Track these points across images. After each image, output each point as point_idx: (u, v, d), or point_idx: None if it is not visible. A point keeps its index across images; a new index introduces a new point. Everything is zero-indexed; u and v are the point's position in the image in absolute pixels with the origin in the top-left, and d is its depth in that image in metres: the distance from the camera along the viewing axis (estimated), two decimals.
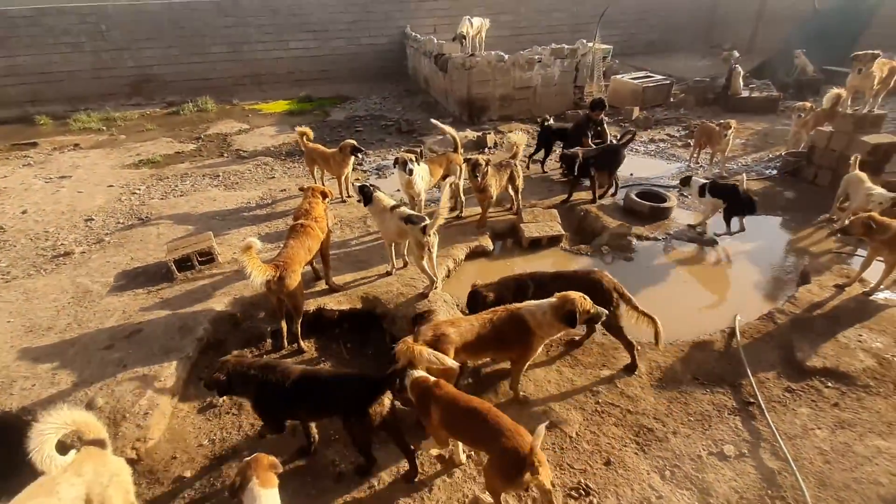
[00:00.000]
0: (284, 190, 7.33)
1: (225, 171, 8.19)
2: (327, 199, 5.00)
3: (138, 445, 3.36)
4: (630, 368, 3.81)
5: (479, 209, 6.04)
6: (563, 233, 5.81)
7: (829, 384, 3.62)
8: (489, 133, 9.24)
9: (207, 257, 5.27)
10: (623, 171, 6.97)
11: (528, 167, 7.84)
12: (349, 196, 6.92)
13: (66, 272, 5.35)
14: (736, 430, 3.30)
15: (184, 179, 7.91)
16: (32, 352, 4.14)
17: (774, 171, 7.59)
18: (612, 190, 6.82)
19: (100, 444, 2.65)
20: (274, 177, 7.96)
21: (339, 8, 14.74)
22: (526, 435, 2.48)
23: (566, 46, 10.60)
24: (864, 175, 5.49)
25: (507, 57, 10.24)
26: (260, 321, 4.52)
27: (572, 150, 6.55)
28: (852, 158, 5.77)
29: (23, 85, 12.82)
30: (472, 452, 3.15)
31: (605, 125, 7.48)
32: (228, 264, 5.31)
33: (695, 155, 8.05)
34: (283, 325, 4.31)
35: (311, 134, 7.02)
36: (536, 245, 5.67)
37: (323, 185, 6.58)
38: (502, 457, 2.46)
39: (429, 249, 4.44)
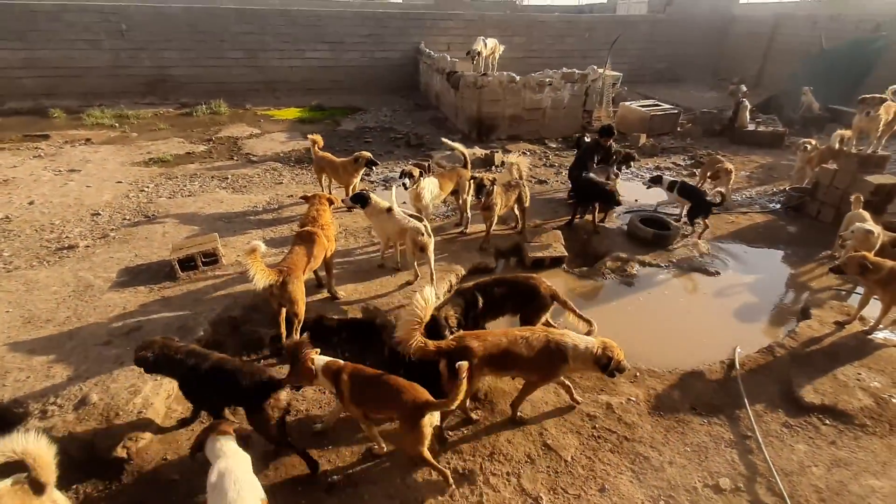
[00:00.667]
0: (292, 196, 7.38)
1: (234, 174, 8.26)
2: (332, 206, 5.05)
3: (129, 444, 3.32)
4: None
5: (483, 226, 6.07)
6: (566, 254, 5.83)
7: (827, 422, 3.61)
8: (497, 152, 9.33)
9: (211, 258, 5.28)
10: (628, 197, 7.03)
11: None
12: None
13: (68, 265, 5.36)
14: (732, 463, 3.28)
15: (193, 180, 7.98)
16: (29, 343, 4.13)
17: (778, 205, 7.65)
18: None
19: (38, 486, 2.30)
20: (282, 182, 8.03)
21: (356, 21, 15.03)
22: (420, 388, 2.95)
23: (577, 71, 10.78)
24: (866, 214, 5.54)
25: (518, 78, 10.41)
26: (259, 325, 4.52)
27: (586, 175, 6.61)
28: (853, 197, 5.83)
29: (40, 78, 13.00)
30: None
31: (612, 151, 7.55)
32: (232, 266, 5.32)
33: (700, 185, 8.10)
34: (283, 330, 4.30)
35: (321, 142, 7.10)
36: (539, 265, 5.69)
37: (330, 193, 6.63)
38: (406, 408, 2.87)
39: (424, 248, 4.73)
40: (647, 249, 6.08)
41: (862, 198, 5.84)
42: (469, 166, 6.56)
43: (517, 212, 6.18)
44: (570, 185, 7.11)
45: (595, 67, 11.10)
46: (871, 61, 12.75)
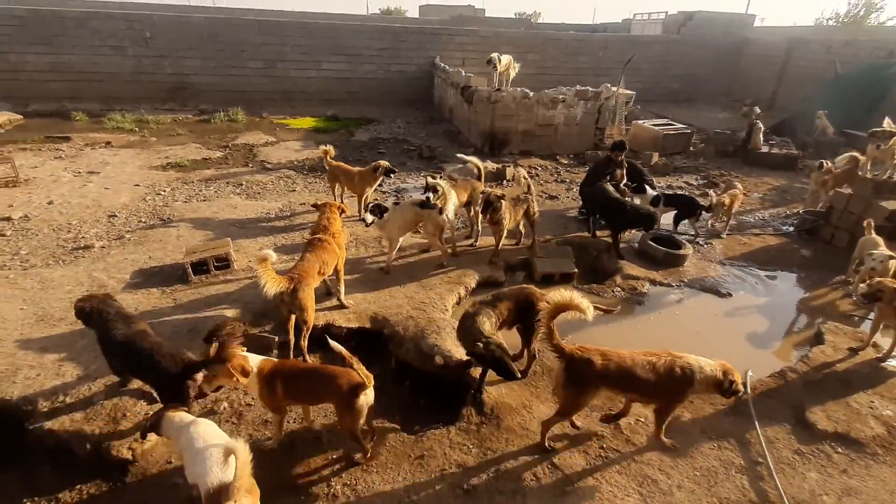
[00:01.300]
0: (304, 203, 7.46)
1: (248, 181, 8.38)
2: (343, 215, 5.09)
3: (135, 446, 3.34)
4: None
5: (492, 239, 6.09)
6: (576, 270, 5.81)
7: (840, 449, 3.53)
8: (509, 166, 9.38)
9: (223, 263, 5.34)
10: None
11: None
12: None
13: (83, 265, 5.44)
14: (742, 490, 3.20)
15: (208, 185, 8.10)
16: (41, 341, 4.19)
17: (791, 228, 7.58)
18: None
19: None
20: (295, 190, 8.12)
21: (374, 35, 15.31)
22: (352, 372, 3.07)
23: (590, 89, 10.85)
24: (879, 239, 5.48)
25: (532, 94, 10.50)
26: (268, 331, 4.53)
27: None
28: (865, 223, 5.79)
29: (64, 82, 13.36)
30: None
31: (624, 167, 7.55)
32: (243, 272, 5.37)
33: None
34: (291, 337, 4.31)
35: (333, 152, 7.17)
36: (548, 280, 5.67)
37: (342, 202, 6.69)
38: (343, 392, 3.00)
39: (444, 228, 5.40)
40: (659, 268, 6.04)
41: (873, 223, 5.79)
42: (483, 179, 6.61)
43: (522, 226, 6.19)
44: (581, 201, 7.12)
45: (608, 85, 11.17)
46: (886, 87, 12.71)
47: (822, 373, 4.24)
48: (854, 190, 7.02)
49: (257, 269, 3.68)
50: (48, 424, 3.36)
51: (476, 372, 4.04)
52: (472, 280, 5.51)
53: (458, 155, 7.03)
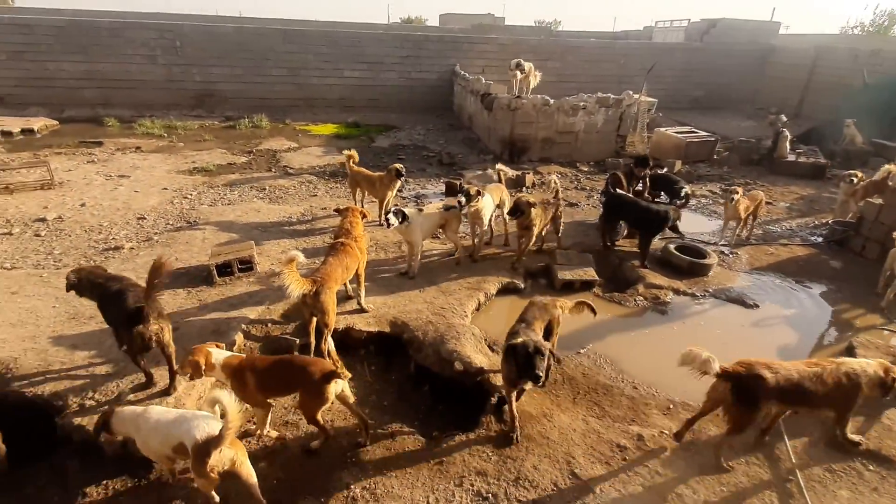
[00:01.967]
0: (325, 208, 7.56)
1: (271, 186, 8.54)
2: (365, 220, 5.15)
3: None
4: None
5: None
6: (597, 278, 5.74)
7: (871, 467, 3.41)
8: (528, 173, 9.36)
9: (247, 265, 5.44)
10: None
11: None
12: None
13: (113, 265, 5.59)
14: None
15: (232, 189, 8.28)
16: (72, 339, 4.31)
17: (820, 239, 7.37)
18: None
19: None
20: (316, 195, 8.24)
21: (395, 43, 15.51)
22: (324, 361, 3.25)
23: (612, 96, 10.78)
24: None
25: (552, 101, 10.48)
26: (289, 334, 4.59)
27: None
28: (895, 234, 5.60)
29: (98, 88, 13.85)
30: None
31: (647, 180, 7.47)
32: (266, 274, 5.46)
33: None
34: (312, 339, 4.36)
35: (357, 157, 7.28)
36: (569, 287, 5.61)
37: (362, 206, 6.75)
38: (314, 380, 3.09)
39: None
40: (682, 277, 5.93)
41: None
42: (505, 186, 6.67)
43: (526, 236, 6.11)
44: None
45: (630, 93, 11.08)
46: None
47: None
48: (885, 201, 6.79)
49: (283, 271, 3.73)
50: (77, 420, 3.45)
51: (496, 378, 4.02)
52: (492, 286, 5.50)
53: (499, 166, 7.02)
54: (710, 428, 3.70)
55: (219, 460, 2.68)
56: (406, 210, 5.23)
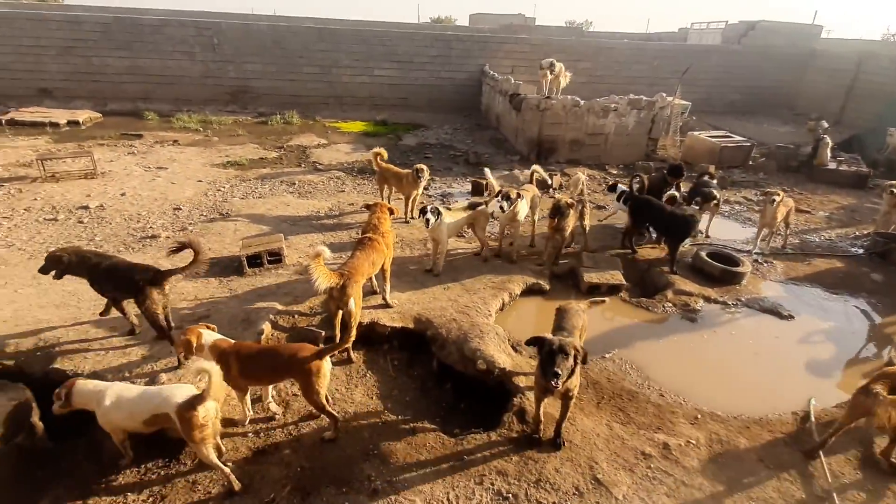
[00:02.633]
0: (352, 204, 7.66)
1: (300, 181, 8.70)
2: (392, 216, 5.20)
3: None
4: None
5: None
6: (624, 282, 5.64)
7: None
8: (556, 174, 9.26)
9: (276, 257, 5.56)
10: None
11: None
12: (413, 217, 7.12)
13: (150, 253, 5.81)
14: None
15: (263, 183, 8.47)
16: (111, 321, 4.48)
17: (861, 251, 7.05)
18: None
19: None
20: (344, 190, 8.36)
21: (426, 42, 15.57)
22: (309, 345, 3.38)
23: (644, 98, 10.56)
24: None
25: (582, 102, 10.34)
26: (315, 326, 4.67)
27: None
28: None
29: (139, 83, 14.37)
30: None
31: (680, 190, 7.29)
32: (293, 266, 5.57)
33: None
34: (337, 332, 4.42)
35: (385, 155, 7.36)
36: (595, 291, 5.53)
37: (389, 203, 6.82)
38: (304, 364, 3.20)
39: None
40: (713, 285, 5.77)
41: None
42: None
43: (559, 237, 6.05)
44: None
45: (664, 95, 10.83)
46: None
47: None
48: None
49: (311, 264, 3.80)
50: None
51: (521, 381, 4.00)
52: (517, 286, 5.46)
53: (535, 167, 6.99)
54: (741, 441, 3.59)
55: (206, 415, 2.90)
56: (440, 209, 5.28)
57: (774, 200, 6.31)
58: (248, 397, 3.61)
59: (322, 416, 3.55)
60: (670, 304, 5.42)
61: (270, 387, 3.72)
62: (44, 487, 3.17)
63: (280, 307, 4.79)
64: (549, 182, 8.89)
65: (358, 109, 15.24)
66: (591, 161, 10.65)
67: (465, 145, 11.84)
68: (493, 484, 3.18)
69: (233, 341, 3.44)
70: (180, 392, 2.98)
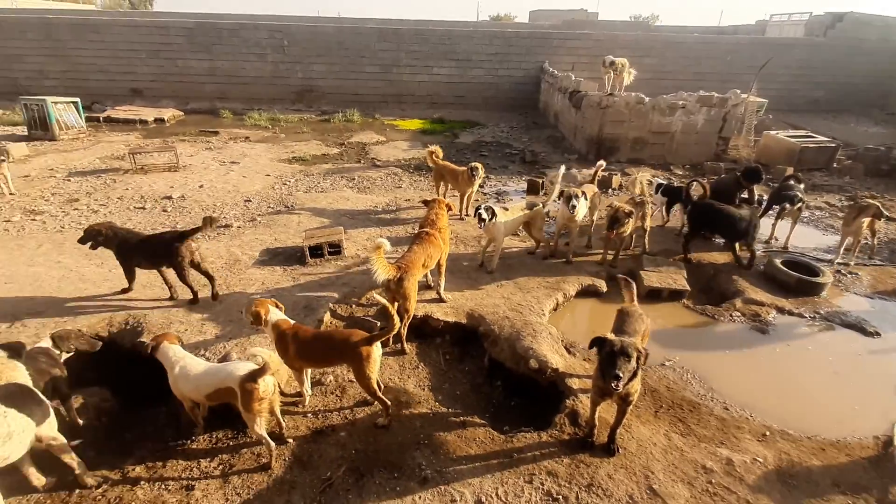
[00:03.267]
0: (409, 199, 7.83)
1: (360, 176, 9.00)
2: (449, 212, 5.26)
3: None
4: None
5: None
6: (688, 288, 5.38)
7: None
8: (616, 174, 8.97)
9: (335, 249, 5.80)
10: (766, 236, 6.32)
11: None
12: (467, 214, 7.16)
13: (223, 241, 6.25)
14: None
15: (325, 178, 8.86)
16: (185, 303, 4.87)
17: None
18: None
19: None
20: (401, 186, 8.55)
21: (485, 41, 15.57)
22: (359, 331, 3.50)
23: (716, 95, 9.98)
24: None
25: (647, 100, 9.94)
26: (371, 316, 4.83)
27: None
28: None
29: (216, 84, 15.44)
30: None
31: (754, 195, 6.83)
32: (352, 258, 5.78)
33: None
34: (396, 323, 4.53)
35: (441, 153, 7.45)
36: (655, 296, 5.32)
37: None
38: (357, 347, 3.35)
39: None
40: (788, 295, 5.37)
41: None
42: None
43: (618, 239, 5.83)
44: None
45: (738, 91, 10.17)
46: None
47: None
48: None
49: (371, 256, 3.94)
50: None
51: (574, 382, 3.94)
52: (571, 287, 5.37)
53: (599, 163, 6.87)
54: (814, 462, 3.34)
55: (265, 388, 3.09)
56: (495, 208, 5.29)
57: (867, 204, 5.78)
58: (307, 379, 3.80)
59: (375, 402, 3.67)
60: (739, 314, 5.11)
61: (307, 372, 3.86)
62: (130, 448, 3.51)
63: (339, 296, 4.99)
64: (610, 182, 8.65)
65: (416, 107, 15.51)
66: (655, 161, 10.21)
67: (522, 143, 11.74)
68: (542, 484, 3.16)
69: (293, 322, 3.63)
70: (244, 367, 3.21)
